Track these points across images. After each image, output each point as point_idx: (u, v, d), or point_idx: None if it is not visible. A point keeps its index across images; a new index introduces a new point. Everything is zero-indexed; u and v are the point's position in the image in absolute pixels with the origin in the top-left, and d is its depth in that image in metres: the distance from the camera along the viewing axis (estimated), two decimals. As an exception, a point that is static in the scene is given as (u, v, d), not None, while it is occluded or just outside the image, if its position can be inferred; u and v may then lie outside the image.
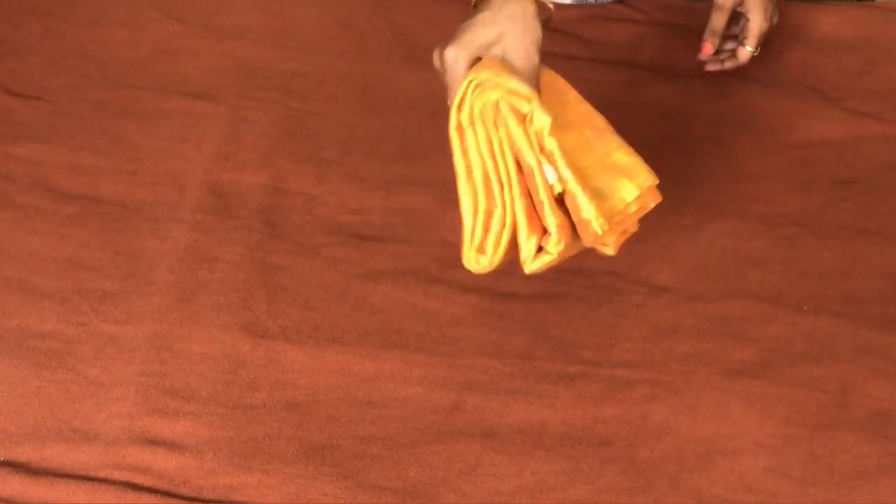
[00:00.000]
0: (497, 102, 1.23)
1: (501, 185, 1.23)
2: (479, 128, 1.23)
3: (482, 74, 1.23)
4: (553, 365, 1.46)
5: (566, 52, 1.86)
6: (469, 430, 1.39)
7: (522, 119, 1.23)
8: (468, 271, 1.47)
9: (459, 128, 1.23)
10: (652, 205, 1.30)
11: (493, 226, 1.24)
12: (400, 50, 1.92)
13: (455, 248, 1.57)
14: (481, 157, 1.22)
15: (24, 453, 1.34)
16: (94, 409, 1.38)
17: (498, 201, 1.23)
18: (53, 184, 1.66)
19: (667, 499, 1.33)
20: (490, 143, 1.23)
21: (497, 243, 1.24)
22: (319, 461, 1.34)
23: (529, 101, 1.23)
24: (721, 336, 1.50)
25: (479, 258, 1.26)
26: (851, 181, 1.72)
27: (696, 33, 1.77)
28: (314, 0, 1.98)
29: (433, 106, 1.82)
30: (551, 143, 1.24)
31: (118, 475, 1.32)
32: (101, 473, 1.32)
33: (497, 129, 1.23)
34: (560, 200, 1.26)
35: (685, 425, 1.40)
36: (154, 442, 1.35)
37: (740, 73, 1.80)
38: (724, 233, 1.63)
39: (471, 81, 1.23)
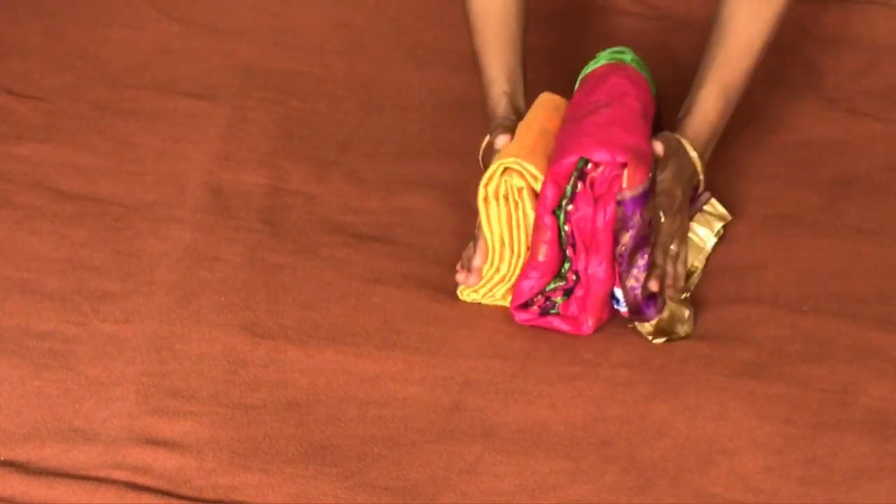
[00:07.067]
0: (521, 189, 1.47)
1: (513, 253, 1.49)
2: (502, 203, 1.48)
3: (509, 160, 1.47)
4: (553, 365, 1.46)
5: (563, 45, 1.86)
6: (469, 430, 1.38)
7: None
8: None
9: (486, 199, 1.48)
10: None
11: (494, 279, 1.50)
12: (400, 49, 1.92)
13: (455, 248, 1.57)
14: (500, 227, 1.48)
15: (23, 453, 1.34)
16: (94, 409, 1.38)
17: (505, 265, 1.50)
18: (53, 184, 1.66)
19: (667, 498, 1.32)
20: (510, 218, 1.48)
21: (490, 293, 1.52)
22: (320, 461, 1.34)
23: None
24: (721, 336, 1.50)
25: (470, 293, 1.52)
26: (851, 181, 1.72)
27: (697, 26, 1.77)
28: (314, 0, 1.98)
29: (433, 106, 1.82)
30: None
31: (118, 475, 1.32)
32: (101, 473, 1.32)
33: (517, 210, 1.48)
34: None
35: (685, 425, 1.39)
36: (154, 442, 1.35)
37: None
38: (724, 233, 1.63)
39: (500, 164, 1.47)
